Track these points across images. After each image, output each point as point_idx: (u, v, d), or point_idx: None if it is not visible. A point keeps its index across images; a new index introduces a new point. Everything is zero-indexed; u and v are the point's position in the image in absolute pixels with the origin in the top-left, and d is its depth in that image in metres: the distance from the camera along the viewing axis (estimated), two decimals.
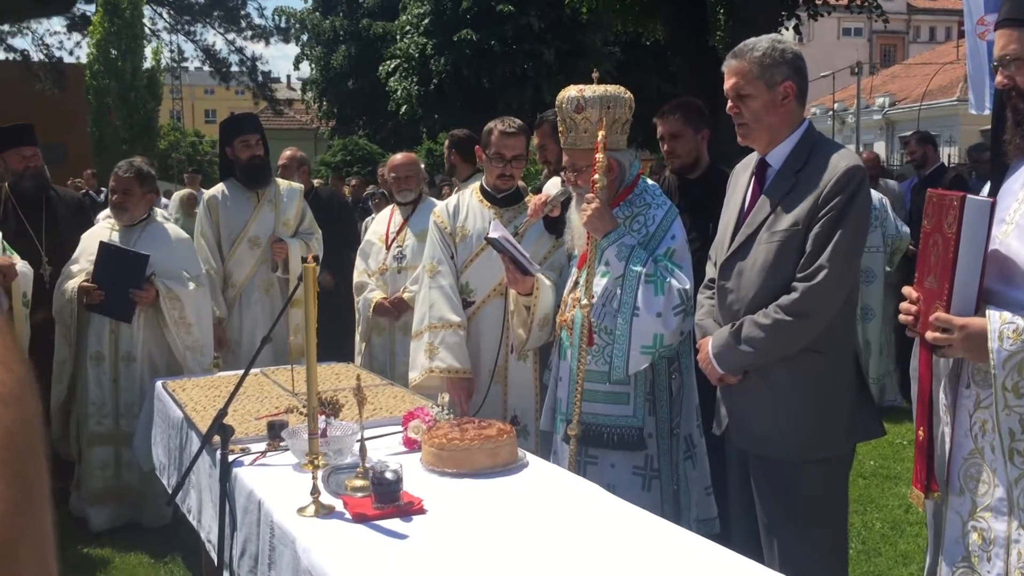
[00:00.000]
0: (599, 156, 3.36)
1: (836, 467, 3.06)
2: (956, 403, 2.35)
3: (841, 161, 2.92)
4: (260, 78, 34.60)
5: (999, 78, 2.33)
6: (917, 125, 28.49)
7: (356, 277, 5.62)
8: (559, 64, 24.79)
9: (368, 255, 5.60)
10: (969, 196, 2.22)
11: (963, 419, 2.32)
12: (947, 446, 2.37)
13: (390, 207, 5.76)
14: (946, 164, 10.49)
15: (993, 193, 2.41)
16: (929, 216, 2.37)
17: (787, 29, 13.00)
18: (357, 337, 5.67)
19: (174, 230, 5.44)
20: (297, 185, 6.09)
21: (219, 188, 5.83)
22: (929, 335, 2.30)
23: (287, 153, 7.51)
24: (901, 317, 2.44)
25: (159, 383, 4.56)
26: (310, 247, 5.74)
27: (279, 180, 5.98)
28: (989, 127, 4.70)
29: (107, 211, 5.58)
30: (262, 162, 5.73)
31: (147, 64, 30.71)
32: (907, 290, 2.45)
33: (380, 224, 5.71)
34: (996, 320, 2.19)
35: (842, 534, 3.16)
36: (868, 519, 5.12)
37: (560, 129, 3.55)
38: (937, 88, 33.55)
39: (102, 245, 5.11)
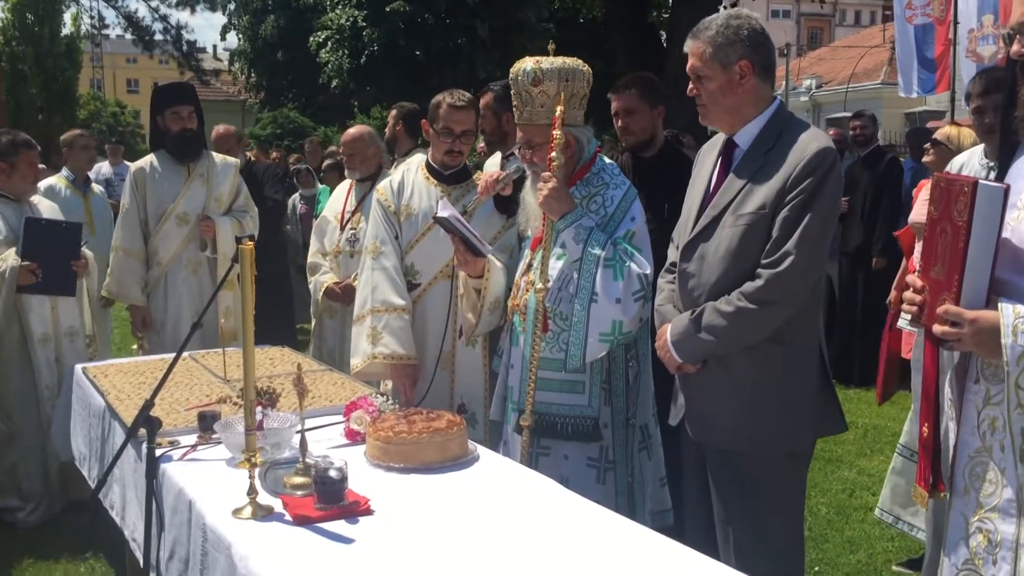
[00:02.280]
0: (556, 132, 3.19)
1: (796, 461, 2.96)
2: (963, 398, 2.24)
3: (812, 142, 2.79)
4: (185, 47, 33.55)
5: (1015, 47, 2.20)
6: (844, 107, 28.96)
7: (310, 257, 5.42)
8: (493, 40, 24.51)
9: (324, 233, 5.36)
10: (981, 182, 2.09)
11: (970, 415, 2.21)
12: (951, 443, 2.26)
13: (348, 182, 5.49)
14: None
15: (1001, 174, 2.29)
16: (936, 202, 2.23)
17: (725, 7, 12.99)
18: (311, 319, 5.46)
19: (49, 203, 5.37)
20: (232, 160, 5.77)
21: (148, 160, 5.50)
22: (937, 329, 2.17)
23: (220, 130, 7.17)
24: (904, 307, 2.32)
25: (79, 367, 4.30)
26: (243, 226, 5.45)
27: (214, 154, 5.65)
28: (914, 110, 4.76)
29: None
30: (193, 135, 5.41)
31: (66, 30, 29.51)
32: (911, 279, 2.32)
33: (337, 200, 5.46)
34: (1009, 314, 2.06)
35: (798, 528, 3.07)
36: (813, 504, 5.09)
37: (515, 104, 3.36)
38: (862, 71, 34.12)
39: (29, 220, 4.90)
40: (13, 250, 4.82)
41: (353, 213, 5.25)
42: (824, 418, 2.97)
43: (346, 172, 5.45)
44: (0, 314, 4.81)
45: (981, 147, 4.17)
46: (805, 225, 2.73)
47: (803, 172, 2.75)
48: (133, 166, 5.59)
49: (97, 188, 6.82)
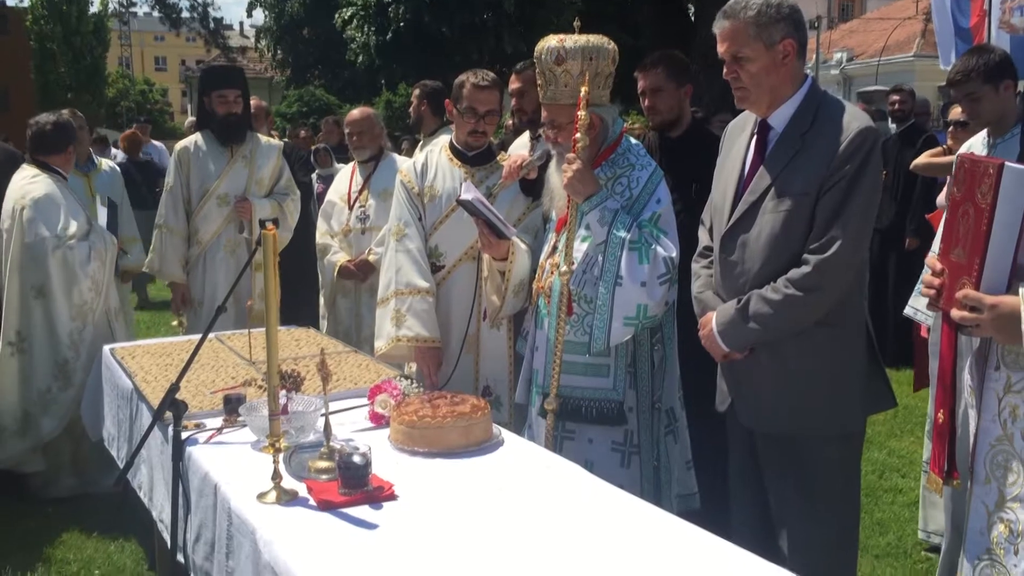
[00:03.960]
0: (581, 113, 3.14)
1: (850, 443, 2.92)
2: (983, 385, 2.19)
3: (852, 122, 2.72)
4: (212, 24, 33.69)
5: None
6: (875, 80, 28.51)
7: (318, 239, 5.43)
8: (519, 14, 24.34)
9: (330, 216, 5.40)
10: (1007, 164, 2.04)
11: (991, 403, 2.17)
12: (972, 430, 2.22)
13: (351, 164, 5.52)
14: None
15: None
16: (960, 183, 2.18)
17: None
18: (321, 300, 5.47)
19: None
20: (276, 142, 5.82)
21: (192, 139, 5.56)
22: (955, 313, 2.13)
23: (251, 102, 7.19)
24: (923, 290, 2.27)
25: (107, 348, 4.32)
26: (283, 208, 5.49)
27: (260, 136, 5.69)
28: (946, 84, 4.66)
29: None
30: (237, 119, 5.45)
31: (94, 8, 29.70)
32: (931, 261, 2.28)
33: (341, 183, 5.50)
34: None
35: (854, 513, 3.02)
36: None
37: (539, 82, 3.31)
38: (894, 43, 33.58)
39: (111, 201, 5.26)
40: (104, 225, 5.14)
41: (360, 192, 5.28)
42: (873, 395, 2.93)
43: (354, 153, 5.45)
44: (105, 287, 5.06)
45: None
46: (850, 208, 2.67)
47: (845, 154, 2.68)
48: (179, 145, 5.65)
49: (106, 164, 6.51)
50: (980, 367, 2.21)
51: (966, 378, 2.26)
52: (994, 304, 2.05)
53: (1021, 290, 2.04)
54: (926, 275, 2.28)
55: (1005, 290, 2.07)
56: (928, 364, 4.79)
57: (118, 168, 6.57)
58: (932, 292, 2.24)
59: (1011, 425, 2.12)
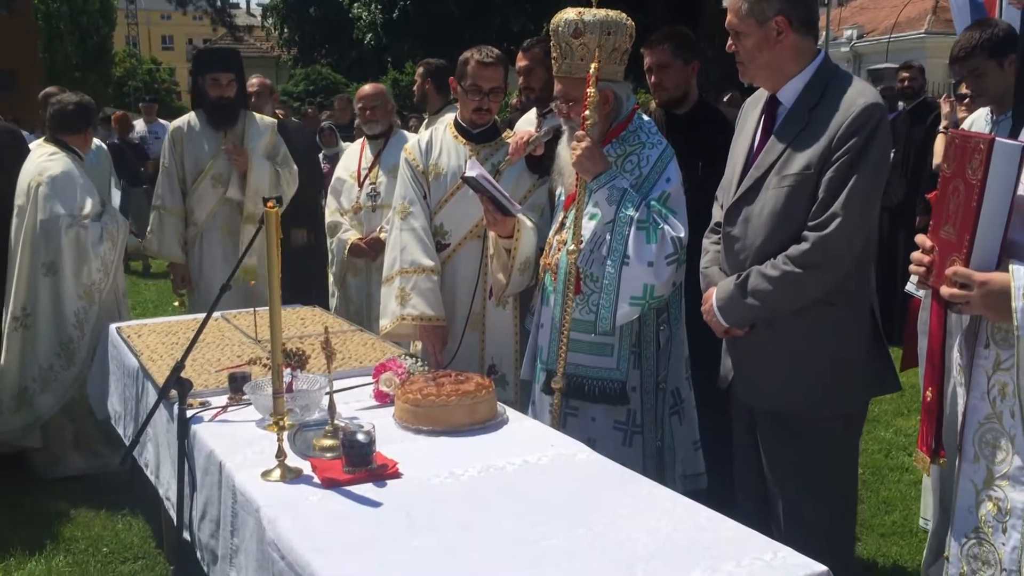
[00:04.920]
0: (591, 91, 3.11)
1: (848, 423, 2.90)
2: (972, 363, 2.18)
3: (859, 98, 2.68)
4: (219, 3, 33.54)
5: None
6: (885, 58, 28.30)
7: (328, 217, 5.39)
8: None
9: (340, 193, 5.36)
10: (998, 139, 2.01)
11: (980, 381, 2.16)
12: (960, 409, 2.20)
13: (360, 141, 5.49)
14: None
15: (1016, 133, 2.21)
16: (950, 159, 2.16)
17: None
18: (330, 279, 5.45)
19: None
20: (270, 119, 5.78)
21: (186, 119, 5.54)
22: (945, 291, 2.11)
23: (254, 80, 7.15)
24: (912, 268, 2.26)
25: (113, 327, 4.33)
26: (280, 175, 5.46)
27: (254, 115, 5.65)
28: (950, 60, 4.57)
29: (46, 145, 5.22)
30: (229, 103, 5.41)
31: None
32: (920, 239, 2.25)
33: (351, 160, 5.45)
34: (1021, 277, 2.00)
35: (852, 493, 3.02)
36: None
37: (554, 55, 3.28)
38: (905, 20, 33.29)
39: (125, 186, 5.39)
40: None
41: (370, 169, 5.25)
42: (876, 378, 2.91)
43: (365, 127, 5.42)
44: (114, 268, 5.09)
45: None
46: (852, 186, 2.63)
47: (849, 130, 2.64)
48: (172, 124, 5.64)
49: (93, 145, 6.06)
50: (970, 345, 2.20)
51: (955, 356, 2.25)
52: (984, 281, 2.04)
53: (1011, 267, 2.02)
54: (915, 253, 2.26)
55: (995, 267, 2.06)
56: (917, 343, 4.75)
57: (105, 147, 6.48)
58: (922, 270, 2.22)
59: (1000, 403, 2.11)
